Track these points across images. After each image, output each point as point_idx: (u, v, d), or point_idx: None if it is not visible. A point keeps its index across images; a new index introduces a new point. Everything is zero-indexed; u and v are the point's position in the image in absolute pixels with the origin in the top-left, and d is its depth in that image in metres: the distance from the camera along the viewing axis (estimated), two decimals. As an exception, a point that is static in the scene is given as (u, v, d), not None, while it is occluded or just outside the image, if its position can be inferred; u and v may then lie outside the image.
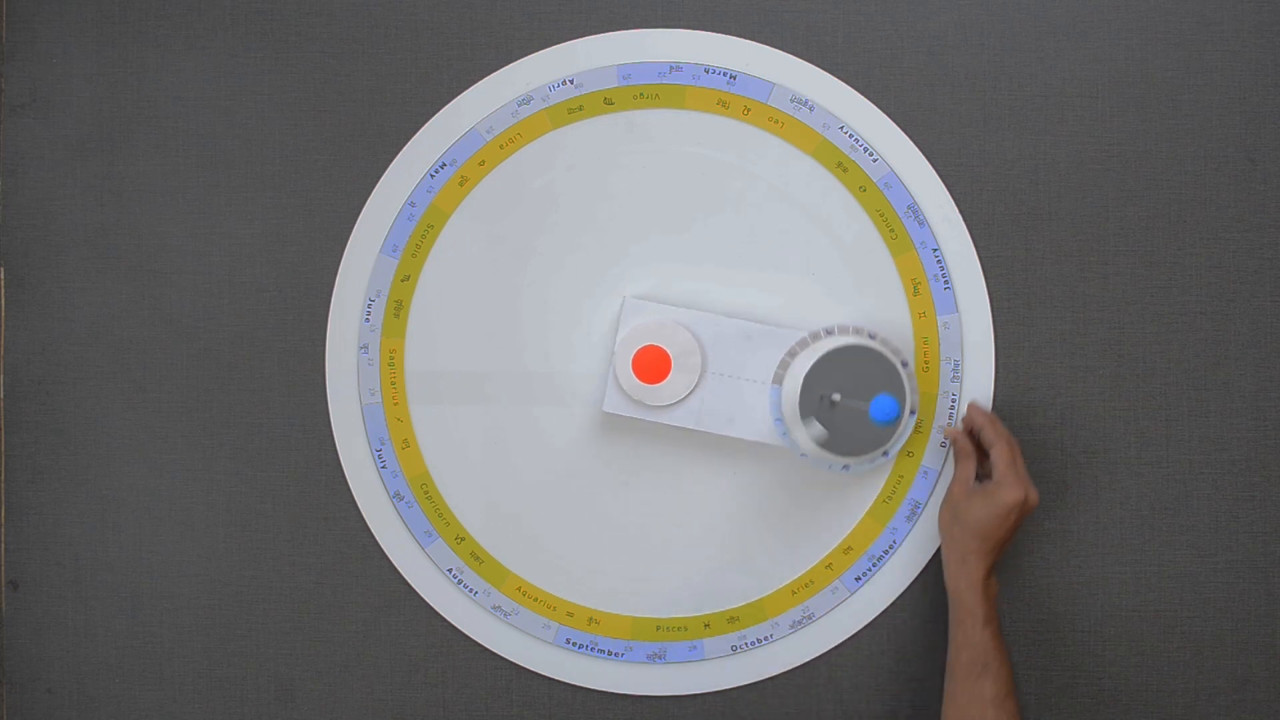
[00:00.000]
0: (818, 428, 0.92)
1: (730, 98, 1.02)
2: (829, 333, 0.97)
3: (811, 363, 0.94)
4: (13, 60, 1.03)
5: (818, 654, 1.03)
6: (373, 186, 1.02)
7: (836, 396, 0.93)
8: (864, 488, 1.02)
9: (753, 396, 0.99)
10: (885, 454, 0.97)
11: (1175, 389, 1.02)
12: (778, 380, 0.97)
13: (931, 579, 1.02)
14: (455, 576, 1.02)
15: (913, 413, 0.96)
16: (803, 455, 0.96)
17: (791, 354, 0.97)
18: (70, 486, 1.03)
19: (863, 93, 1.02)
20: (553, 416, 1.02)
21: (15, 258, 1.03)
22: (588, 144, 1.02)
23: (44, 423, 1.03)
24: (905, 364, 0.96)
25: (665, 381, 0.98)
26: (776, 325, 1.00)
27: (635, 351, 0.99)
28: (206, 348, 1.03)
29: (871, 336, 0.97)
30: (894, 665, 1.03)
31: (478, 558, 1.02)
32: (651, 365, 0.99)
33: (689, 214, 1.02)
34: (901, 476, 1.02)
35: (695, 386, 0.99)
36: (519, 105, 1.02)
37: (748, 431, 0.99)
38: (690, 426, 0.99)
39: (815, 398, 0.94)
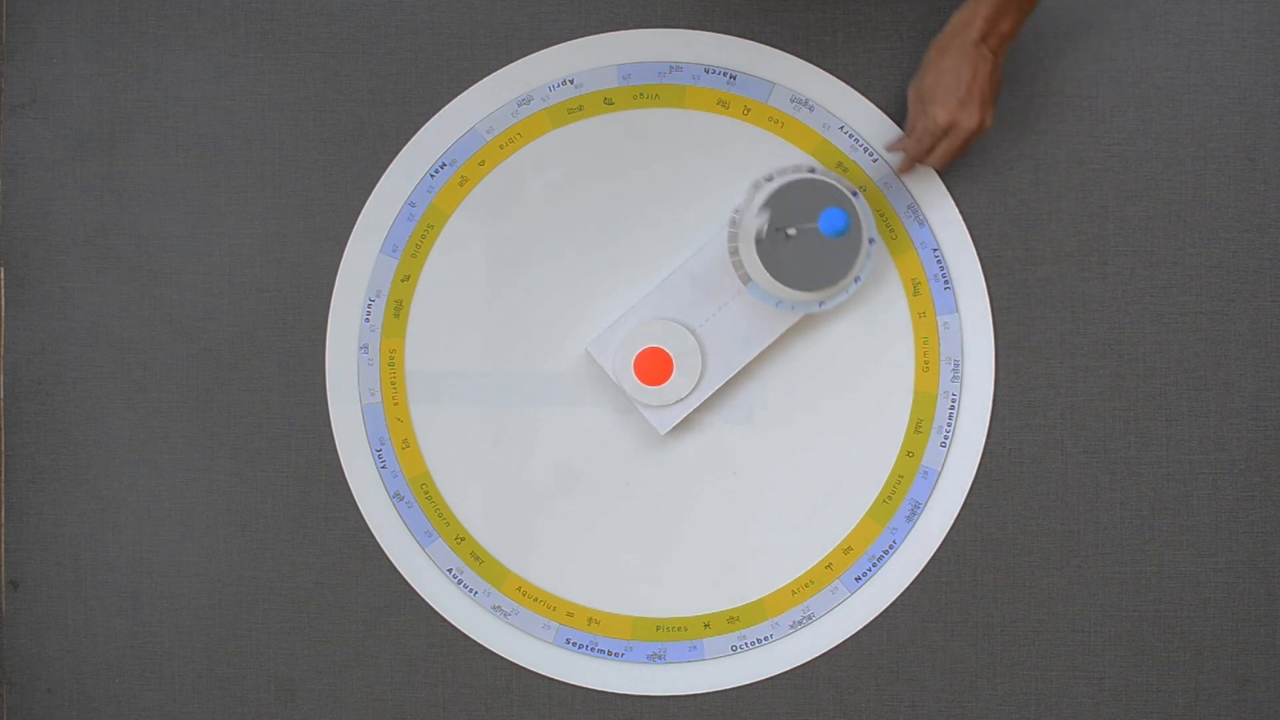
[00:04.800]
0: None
1: (730, 98, 1.02)
2: (769, 179, 0.95)
3: (756, 210, 0.92)
4: (13, 60, 1.02)
5: (818, 654, 1.02)
6: (373, 186, 1.02)
7: (792, 230, 0.92)
8: (864, 488, 1.02)
9: (744, 308, 0.99)
10: (856, 280, 0.95)
11: (1175, 389, 1.02)
12: (733, 252, 0.96)
13: (931, 579, 1.02)
14: (455, 576, 1.02)
15: (872, 240, 0.94)
16: (779, 304, 0.95)
17: (738, 211, 0.96)
18: (70, 486, 1.03)
19: (863, 93, 1.02)
20: (553, 416, 1.02)
21: (15, 258, 1.03)
22: (588, 144, 1.02)
23: (44, 423, 1.03)
24: (856, 193, 0.94)
25: (673, 376, 0.99)
26: (708, 251, 1.00)
27: (631, 367, 0.99)
28: (206, 348, 1.03)
29: (811, 170, 0.95)
30: (894, 665, 1.02)
31: (478, 558, 1.02)
32: (653, 367, 0.99)
33: (689, 213, 1.02)
34: (901, 477, 1.02)
35: (701, 355, 0.99)
36: (519, 105, 1.02)
37: (764, 339, 0.99)
38: (727, 379, 0.99)
39: (772, 240, 0.92)
